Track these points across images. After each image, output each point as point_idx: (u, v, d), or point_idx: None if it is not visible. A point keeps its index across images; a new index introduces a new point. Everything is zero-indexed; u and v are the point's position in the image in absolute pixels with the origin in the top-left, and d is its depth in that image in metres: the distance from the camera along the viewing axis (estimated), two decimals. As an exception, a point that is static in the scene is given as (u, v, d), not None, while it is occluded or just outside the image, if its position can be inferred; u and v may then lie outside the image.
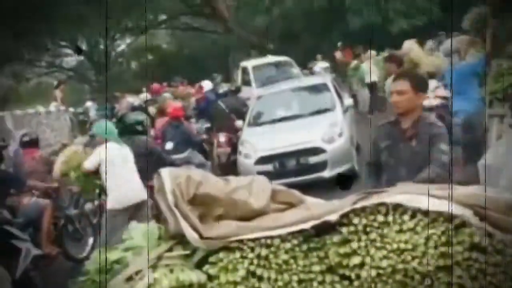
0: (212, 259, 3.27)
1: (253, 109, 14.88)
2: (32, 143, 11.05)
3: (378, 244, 3.12)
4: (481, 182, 6.83)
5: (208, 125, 16.21)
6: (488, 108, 9.41)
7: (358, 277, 3.12)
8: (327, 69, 24.66)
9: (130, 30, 43.10)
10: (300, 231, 3.26)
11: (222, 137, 14.95)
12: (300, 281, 3.19)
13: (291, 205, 3.59)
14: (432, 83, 12.21)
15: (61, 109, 20.41)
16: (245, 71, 23.73)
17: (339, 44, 27.87)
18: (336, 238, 3.21)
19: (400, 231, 3.12)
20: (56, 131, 19.03)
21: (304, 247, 3.24)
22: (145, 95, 21.93)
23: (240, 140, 13.81)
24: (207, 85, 19.45)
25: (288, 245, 3.24)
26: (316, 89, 14.98)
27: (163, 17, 43.51)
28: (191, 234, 3.30)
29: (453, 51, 10.92)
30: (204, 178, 3.55)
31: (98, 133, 9.43)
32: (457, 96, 9.86)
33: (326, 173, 12.15)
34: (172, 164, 10.52)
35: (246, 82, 22.72)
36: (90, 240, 10.68)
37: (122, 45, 49.51)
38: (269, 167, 12.21)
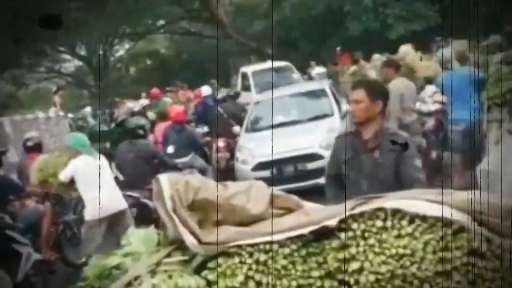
0: (211, 264, 3.28)
1: (251, 114, 14.86)
2: (35, 148, 11.09)
3: (377, 249, 3.12)
4: (479, 187, 6.84)
5: (207, 130, 16.22)
6: (486, 114, 9.42)
7: (357, 282, 3.12)
8: (325, 74, 24.66)
9: (128, 36, 43.15)
10: (299, 236, 3.26)
11: (221, 143, 14.94)
12: (299, 286, 3.19)
13: (289, 211, 3.59)
14: (430, 88, 12.23)
15: (60, 115, 20.37)
16: (245, 76, 23.72)
17: (338, 49, 27.87)
18: (334, 243, 3.21)
19: (399, 236, 3.12)
20: (55, 136, 18.99)
21: (303, 252, 3.24)
22: (144, 101, 21.94)
23: (238, 146, 13.78)
24: (205, 90, 19.45)
25: (287, 251, 3.24)
26: (314, 94, 14.96)
27: (161, 22, 43.55)
28: (189, 240, 3.30)
29: (446, 58, 10.94)
30: (203, 183, 3.55)
31: (72, 146, 9.44)
32: (456, 102, 9.87)
33: (324, 180, 12.11)
34: (175, 167, 10.60)
35: (246, 88, 22.72)
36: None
37: (120, 51, 49.53)
38: (266, 173, 12.17)
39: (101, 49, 43.92)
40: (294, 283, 3.19)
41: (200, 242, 3.29)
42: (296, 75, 23.57)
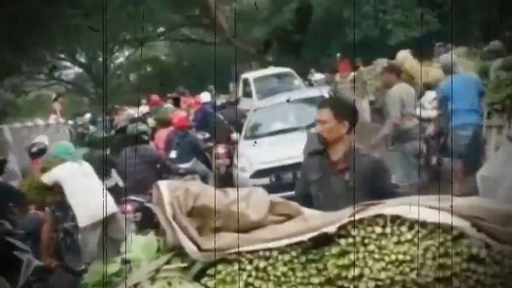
0: (210, 271, 3.27)
1: (250, 121, 14.82)
2: (40, 154, 11.16)
3: (377, 256, 3.12)
4: (479, 193, 6.84)
5: (208, 136, 16.22)
6: (486, 119, 9.44)
7: (356, 289, 3.12)
8: (324, 81, 24.66)
9: (128, 42, 43.21)
10: (298, 243, 3.26)
11: (221, 149, 14.94)
12: (298, 293, 3.19)
13: (289, 217, 3.59)
14: (430, 95, 12.23)
15: (60, 122, 20.39)
16: (246, 82, 23.71)
17: (338, 55, 27.88)
18: (334, 250, 3.21)
19: (398, 242, 3.12)
20: (55, 143, 19.01)
21: (303, 259, 3.23)
22: (144, 107, 21.95)
23: (236, 153, 13.76)
24: (205, 96, 19.45)
25: (286, 257, 3.24)
26: (314, 101, 14.87)
27: (161, 29, 43.62)
28: (189, 246, 3.30)
29: (446, 64, 10.94)
30: (203, 190, 3.55)
31: (57, 154, 9.49)
32: (461, 107, 9.87)
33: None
34: (178, 172, 10.69)
35: (247, 94, 22.70)
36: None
37: (120, 58, 49.61)
38: (265, 180, 12.12)
39: (102, 55, 44.00)
40: (293, 290, 3.19)
41: (199, 249, 3.29)
42: (297, 81, 23.53)
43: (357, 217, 3.24)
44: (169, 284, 3.25)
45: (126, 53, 47.95)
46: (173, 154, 12.57)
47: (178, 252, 3.39)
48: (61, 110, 21.58)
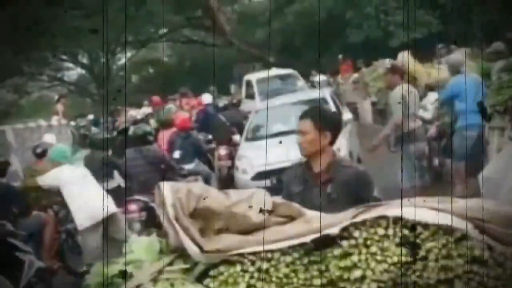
0: (212, 272, 3.27)
1: (251, 123, 14.79)
2: (45, 154, 11.21)
3: (379, 258, 3.12)
4: (481, 195, 6.83)
5: (211, 137, 16.23)
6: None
7: (358, 290, 3.12)
8: (326, 82, 24.65)
9: (130, 44, 43.19)
10: (301, 245, 3.26)
11: (223, 150, 14.95)
12: (300, 295, 3.19)
13: (291, 219, 3.59)
14: (432, 96, 12.21)
15: (63, 123, 20.44)
16: (249, 84, 23.68)
17: (340, 57, 27.86)
18: (336, 251, 3.21)
19: (401, 244, 3.12)
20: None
21: (305, 260, 3.24)
22: (147, 108, 21.98)
23: (237, 155, 13.73)
24: (206, 98, 19.47)
25: (288, 259, 3.24)
26: (314, 103, 14.81)
27: (163, 30, 43.58)
28: (191, 248, 3.30)
29: (456, 64, 10.91)
30: (205, 191, 3.56)
31: (54, 158, 9.53)
32: (464, 109, 9.84)
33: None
34: (182, 172, 10.74)
35: (250, 95, 22.68)
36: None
37: (122, 59, 49.58)
38: (266, 182, 12.10)
39: (103, 57, 44.01)
40: (296, 291, 3.19)
41: (202, 250, 3.29)
42: (301, 82, 23.51)
43: (360, 218, 3.24)
44: (172, 285, 3.26)
45: (128, 54, 47.93)
46: (176, 154, 12.59)
47: (181, 253, 3.40)
48: (64, 111, 21.63)
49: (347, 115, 14.43)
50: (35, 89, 45.38)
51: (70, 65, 46.21)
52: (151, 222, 9.15)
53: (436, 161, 11.99)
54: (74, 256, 10.39)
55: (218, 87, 26.29)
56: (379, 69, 20.34)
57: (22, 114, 37.25)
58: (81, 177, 9.24)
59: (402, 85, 10.16)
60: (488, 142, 9.39)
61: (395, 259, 3.08)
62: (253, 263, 3.25)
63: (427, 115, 11.91)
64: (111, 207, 9.22)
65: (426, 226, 3.13)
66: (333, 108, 13.97)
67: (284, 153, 12.40)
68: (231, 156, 14.66)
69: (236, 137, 14.97)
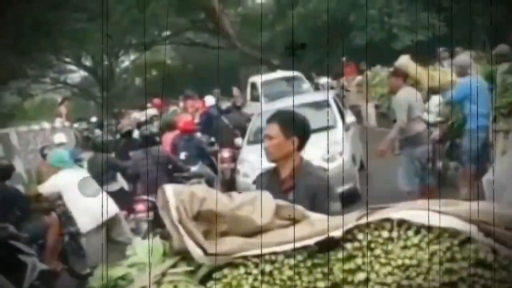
0: (216, 275, 3.27)
1: (253, 126, 14.74)
2: None
3: (383, 260, 3.11)
4: (486, 197, 6.82)
5: (213, 139, 16.23)
6: (493, 123, 9.42)
7: (363, 293, 3.11)
8: (330, 84, 24.61)
9: (134, 46, 43.25)
10: (305, 247, 3.25)
11: (226, 153, 14.94)
12: (304, 297, 3.18)
13: (295, 221, 3.58)
14: (435, 99, 12.19)
15: (66, 125, 20.46)
16: (254, 86, 23.64)
17: (343, 59, 27.81)
18: (340, 254, 3.20)
19: (405, 247, 3.11)
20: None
21: (309, 263, 3.23)
22: (150, 111, 22.00)
23: (239, 158, 13.70)
24: (209, 100, 19.48)
25: (292, 261, 3.23)
26: (318, 106, 14.72)
27: (167, 33, 43.63)
28: (195, 250, 3.29)
29: (461, 66, 10.88)
30: (208, 194, 3.55)
31: (52, 164, 9.55)
32: (474, 111, 9.83)
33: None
34: (189, 172, 10.82)
35: (255, 98, 22.64)
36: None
37: (126, 62, 49.63)
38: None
39: (107, 59, 44.06)
40: (300, 294, 3.18)
41: (205, 252, 3.28)
42: (306, 85, 23.43)
43: (364, 221, 3.23)
44: (175, 287, 3.25)
45: (132, 57, 48.00)
46: (182, 156, 12.63)
47: (184, 256, 3.39)
48: (67, 113, 21.67)
49: (350, 118, 14.38)
50: (38, 91, 45.47)
51: (74, 67, 46.29)
52: (158, 223, 9.18)
53: (440, 164, 11.97)
54: (77, 259, 10.41)
55: (222, 90, 26.29)
56: (381, 72, 20.32)
57: (26, 116, 37.30)
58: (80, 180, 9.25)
59: (405, 88, 10.15)
60: (492, 145, 9.38)
61: (399, 262, 3.07)
62: (256, 265, 3.24)
63: (431, 118, 11.88)
64: (114, 209, 9.24)
65: (430, 228, 3.11)
66: (335, 110, 13.92)
67: None
68: (234, 159, 14.64)
69: (239, 140, 14.95)
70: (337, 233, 3.23)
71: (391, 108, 11.53)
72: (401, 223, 3.18)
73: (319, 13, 31.65)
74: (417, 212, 3.20)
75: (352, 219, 3.31)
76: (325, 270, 3.19)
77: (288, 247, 3.25)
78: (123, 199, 10.51)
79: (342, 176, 12.12)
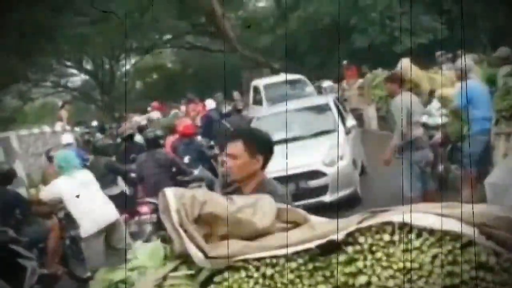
0: (217, 278, 3.26)
1: None
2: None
3: (384, 263, 3.09)
4: (488, 200, 6.82)
5: (213, 143, 16.23)
6: (494, 126, 9.42)
7: (364, 296, 3.10)
8: (331, 88, 24.59)
9: (135, 50, 43.33)
10: (306, 250, 3.24)
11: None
12: (306, 301, 3.17)
13: (296, 224, 3.57)
14: (436, 103, 12.19)
15: (67, 129, 20.47)
16: (256, 89, 23.63)
17: (344, 62, 27.81)
18: (341, 257, 3.19)
19: (406, 250, 3.10)
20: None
21: (310, 266, 3.21)
22: (152, 114, 22.03)
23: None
24: (209, 104, 19.49)
25: (293, 265, 3.22)
26: (318, 109, 14.61)
27: (168, 36, 43.70)
28: (196, 254, 3.28)
29: (463, 69, 10.88)
30: (209, 197, 3.54)
31: (60, 164, 9.54)
32: (476, 114, 9.82)
33: (327, 197, 11.87)
34: (192, 175, 10.89)
35: (258, 101, 22.62)
36: None
37: (127, 65, 49.72)
38: None
39: (108, 63, 44.13)
40: (301, 297, 3.17)
41: (206, 256, 3.28)
42: (309, 88, 23.36)
43: (365, 224, 3.22)
44: (176, 291, 3.24)
45: (133, 60, 48.09)
46: (186, 159, 12.65)
47: (185, 259, 3.38)
48: (68, 117, 21.69)
49: (351, 122, 14.33)
50: (39, 95, 45.58)
51: (74, 71, 46.41)
52: (161, 225, 9.17)
53: (441, 167, 11.97)
54: (77, 262, 10.40)
55: (220, 93, 26.32)
56: (379, 76, 20.31)
57: (26, 120, 37.39)
58: (82, 185, 9.22)
59: (402, 94, 10.13)
60: (494, 148, 9.39)
61: (401, 265, 3.06)
62: (258, 269, 3.23)
63: (432, 121, 11.87)
64: (115, 214, 9.24)
65: (432, 231, 3.11)
66: (336, 115, 13.84)
67: (284, 161, 12.30)
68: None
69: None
70: (339, 236, 3.22)
71: (390, 112, 11.51)
72: (403, 226, 3.16)
73: (320, 16, 31.71)
74: (418, 215, 3.19)
75: (353, 222, 3.30)
76: (326, 273, 3.18)
77: (289, 250, 3.24)
78: (124, 203, 10.51)
79: (337, 179, 12.13)
